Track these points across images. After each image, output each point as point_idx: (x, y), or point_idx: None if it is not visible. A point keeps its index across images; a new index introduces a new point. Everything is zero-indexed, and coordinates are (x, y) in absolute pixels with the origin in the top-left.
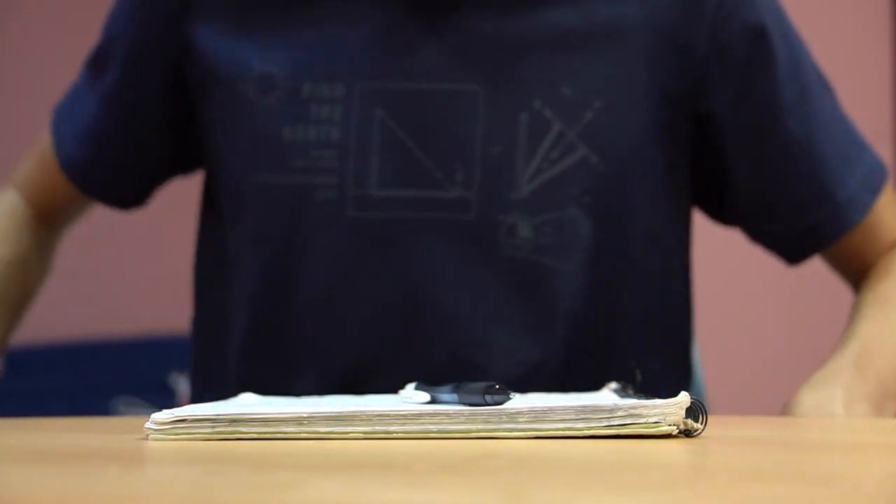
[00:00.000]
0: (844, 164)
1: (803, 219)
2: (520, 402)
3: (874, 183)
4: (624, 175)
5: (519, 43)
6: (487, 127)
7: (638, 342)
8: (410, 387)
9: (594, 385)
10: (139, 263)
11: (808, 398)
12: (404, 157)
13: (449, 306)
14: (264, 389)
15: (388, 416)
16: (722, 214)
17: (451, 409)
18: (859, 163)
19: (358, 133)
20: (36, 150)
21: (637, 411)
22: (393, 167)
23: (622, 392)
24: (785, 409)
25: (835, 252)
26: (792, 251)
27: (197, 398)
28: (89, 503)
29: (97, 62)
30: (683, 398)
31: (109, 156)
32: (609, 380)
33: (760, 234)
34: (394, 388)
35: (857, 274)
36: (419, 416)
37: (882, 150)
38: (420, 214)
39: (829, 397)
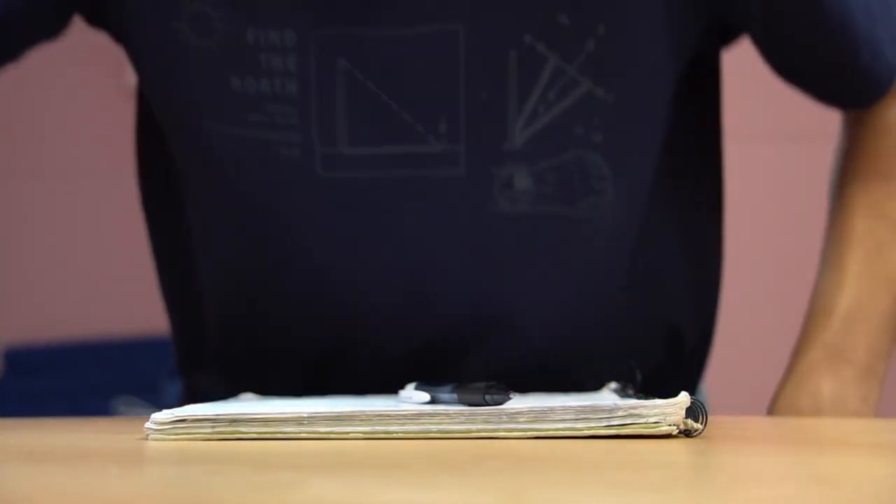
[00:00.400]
0: (878, 29)
1: (841, 94)
2: (520, 402)
3: None
4: (639, 104)
5: None
6: (471, 70)
7: (669, 286)
8: (410, 387)
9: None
10: (139, 263)
11: (787, 405)
12: (376, 110)
13: (446, 272)
14: (244, 366)
15: (389, 416)
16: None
17: (451, 409)
18: (888, 22)
19: (318, 86)
20: None
21: (637, 411)
22: (364, 122)
23: (622, 392)
24: (769, 412)
25: None
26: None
27: (184, 390)
28: (89, 503)
29: None
30: (683, 398)
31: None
32: (641, 331)
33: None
34: (382, 365)
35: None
36: (419, 416)
37: None
38: (400, 172)
39: (812, 407)
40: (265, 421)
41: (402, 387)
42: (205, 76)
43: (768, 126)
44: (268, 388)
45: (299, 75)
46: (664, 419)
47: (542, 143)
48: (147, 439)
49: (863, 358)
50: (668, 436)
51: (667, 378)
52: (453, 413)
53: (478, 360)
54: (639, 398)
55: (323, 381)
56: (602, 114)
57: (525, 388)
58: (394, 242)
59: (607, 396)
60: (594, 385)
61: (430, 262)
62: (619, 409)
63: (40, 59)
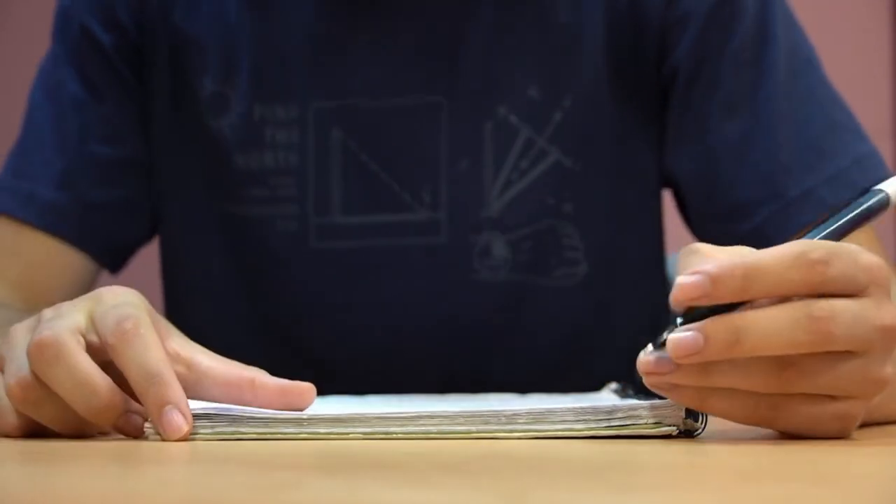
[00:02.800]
0: (806, 154)
1: (747, 219)
2: (519, 403)
3: (852, 181)
4: (602, 174)
5: (478, 44)
6: (452, 141)
7: (630, 336)
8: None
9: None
10: (139, 264)
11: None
12: (367, 179)
13: (426, 339)
14: None
15: (388, 418)
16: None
17: (450, 411)
18: (833, 155)
19: (316, 157)
20: None
21: (636, 412)
22: (356, 191)
23: (622, 392)
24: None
25: None
26: None
27: None
28: (89, 503)
29: None
30: None
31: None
32: (607, 380)
33: (705, 234)
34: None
35: None
36: (418, 418)
37: (882, 149)
38: (388, 241)
39: None
40: (265, 421)
41: None
42: (215, 156)
43: None
44: None
45: (299, 147)
46: (664, 420)
47: (516, 210)
48: (147, 439)
49: None
50: (667, 436)
51: None
52: (453, 415)
53: None
54: (639, 398)
55: None
56: (571, 184)
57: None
58: (380, 307)
59: (607, 397)
60: (593, 385)
61: (414, 325)
62: (619, 409)
63: (41, 59)
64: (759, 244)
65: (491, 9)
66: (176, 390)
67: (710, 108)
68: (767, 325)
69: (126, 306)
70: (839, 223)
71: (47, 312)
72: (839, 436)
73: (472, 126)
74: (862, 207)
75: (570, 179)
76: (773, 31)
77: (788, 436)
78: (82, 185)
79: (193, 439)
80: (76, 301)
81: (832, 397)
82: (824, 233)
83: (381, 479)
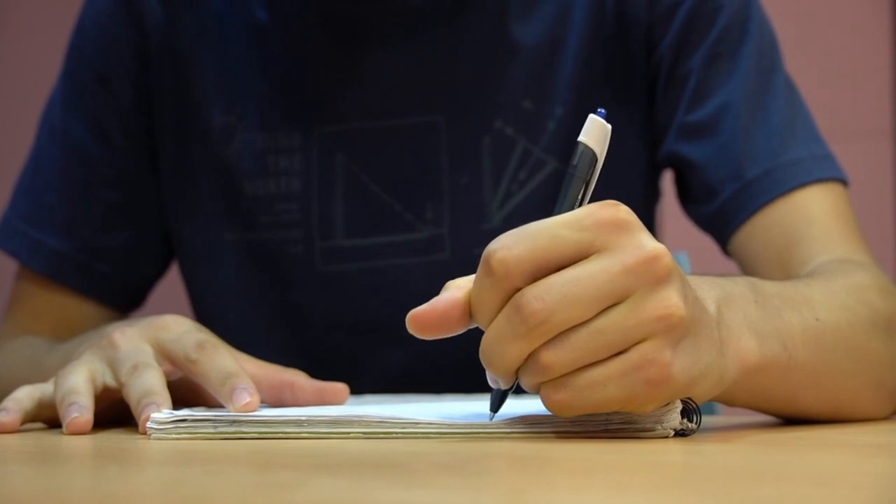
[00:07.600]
0: (767, 141)
1: (713, 200)
2: (519, 405)
3: (809, 169)
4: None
5: (472, 62)
6: (452, 157)
7: None
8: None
9: None
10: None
11: None
12: (370, 201)
13: (436, 355)
14: None
15: (387, 422)
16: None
17: (448, 419)
18: (792, 145)
19: (319, 182)
20: None
21: (633, 418)
22: (359, 214)
23: None
24: None
25: (750, 246)
26: (715, 236)
27: None
28: (89, 503)
29: None
30: (676, 402)
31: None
32: None
33: (689, 216)
34: None
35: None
36: (417, 423)
37: (882, 149)
38: (392, 261)
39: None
40: (265, 422)
41: None
42: (225, 186)
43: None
44: None
45: (303, 173)
46: (660, 424)
47: (517, 221)
48: (150, 439)
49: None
50: (665, 436)
51: None
52: (451, 423)
53: None
54: None
55: None
56: None
57: None
58: (388, 326)
59: None
60: None
61: (422, 342)
62: (616, 414)
63: (40, 58)
64: (723, 223)
65: (482, 27)
66: (247, 379)
67: (682, 96)
68: (493, 337)
69: (199, 331)
70: (563, 194)
71: (117, 337)
72: (658, 392)
73: (470, 141)
74: (570, 167)
75: None
76: (750, 27)
77: (787, 436)
78: (86, 233)
79: (195, 438)
80: (141, 329)
81: (618, 354)
82: (557, 207)
83: (381, 479)
